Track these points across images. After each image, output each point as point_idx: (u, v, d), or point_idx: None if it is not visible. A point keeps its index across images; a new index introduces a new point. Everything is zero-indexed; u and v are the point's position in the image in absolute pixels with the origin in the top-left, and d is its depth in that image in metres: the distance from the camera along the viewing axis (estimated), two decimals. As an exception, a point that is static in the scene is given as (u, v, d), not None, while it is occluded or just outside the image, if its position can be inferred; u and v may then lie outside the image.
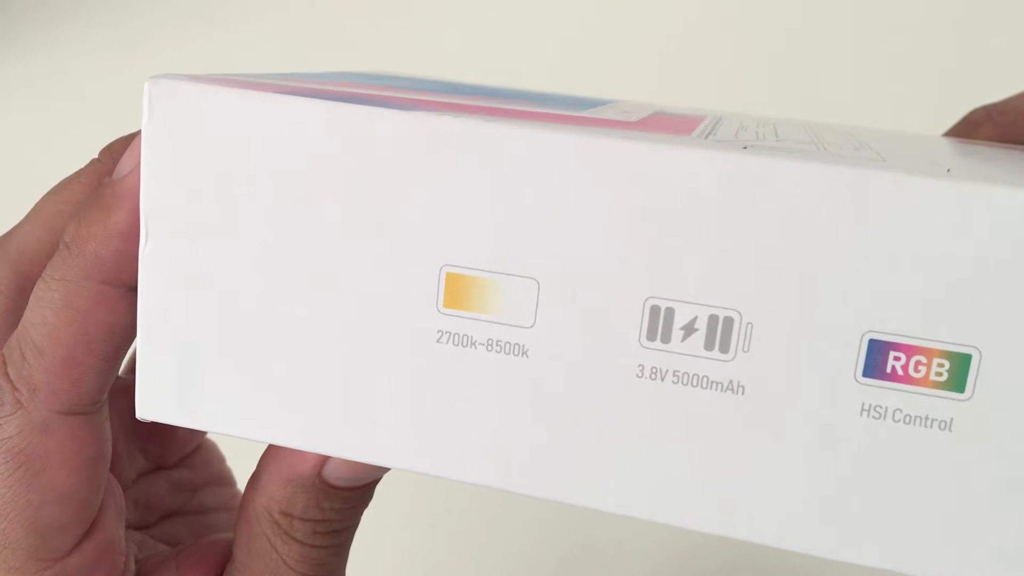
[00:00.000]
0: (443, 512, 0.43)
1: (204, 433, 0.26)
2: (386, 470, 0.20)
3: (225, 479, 0.27)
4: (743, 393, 0.15)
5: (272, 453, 0.20)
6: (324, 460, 0.19)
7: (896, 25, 0.39)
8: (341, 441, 0.17)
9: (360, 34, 0.45)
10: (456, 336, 0.16)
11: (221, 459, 0.27)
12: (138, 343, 0.18)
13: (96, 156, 0.20)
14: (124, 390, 0.24)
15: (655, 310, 0.16)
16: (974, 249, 0.14)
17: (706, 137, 0.17)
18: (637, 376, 0.16)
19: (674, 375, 0.16)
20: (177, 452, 0.26)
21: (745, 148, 0.15)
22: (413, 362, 0.17)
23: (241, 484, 0.26)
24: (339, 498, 0.19)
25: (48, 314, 0.18)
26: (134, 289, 0.18)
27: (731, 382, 0.16)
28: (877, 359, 0.15)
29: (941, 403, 0.15)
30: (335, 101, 0.16)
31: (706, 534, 0.16)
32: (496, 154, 0.16)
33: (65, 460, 0.19)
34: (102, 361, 0.19)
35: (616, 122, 0.18)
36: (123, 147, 0.19)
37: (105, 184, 0.18)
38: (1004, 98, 0.25)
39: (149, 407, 0.18)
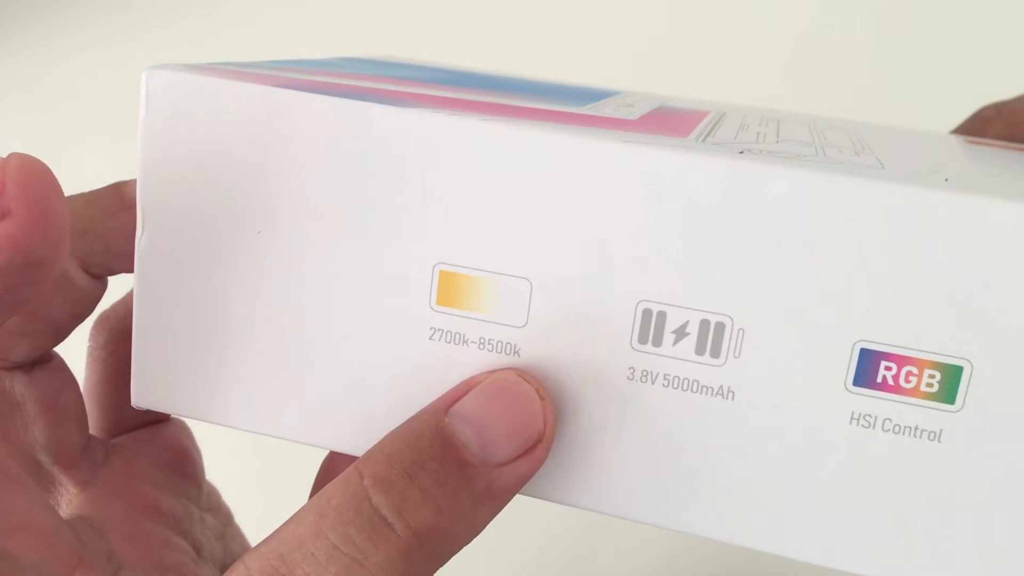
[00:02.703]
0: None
1: (200, 468, 0.25)
2: None
3: (230, 517, 0.25)
4: (733, 398, 0.15)
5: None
6: None
7: (908, 21, 0.38)
8: (335, 435, 0.17)
9: (358, 17, 0.45)
10: (449, 334, 0.16)
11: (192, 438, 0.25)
12: (134, 332, 0.18)
13: None
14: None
15: (647, 313, 0.16)
16: (969, 261, 0.14)
17: (704, 139, 0.17)
18: (628, 379, 0.16)
19: (664, 379, 0.16)
20: (204, 494, 0.24)
21: (741, 153, 0.15)
22: (406, 358, 0.17)
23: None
24: None
25: None
26: None
27: (721, 387, 0.15)
28: (868, 368, 0.15)
29: (931, 414, 0.15)
30: (332, 96, 0.16)
31: (698, 545, 0.16)
32: (491, 153, 0.16)
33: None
34: None
35: (614, 120, 0.17)
36: None
37: None
38: (1015, 96, 0.25)
39: (143, 395, 0.18)
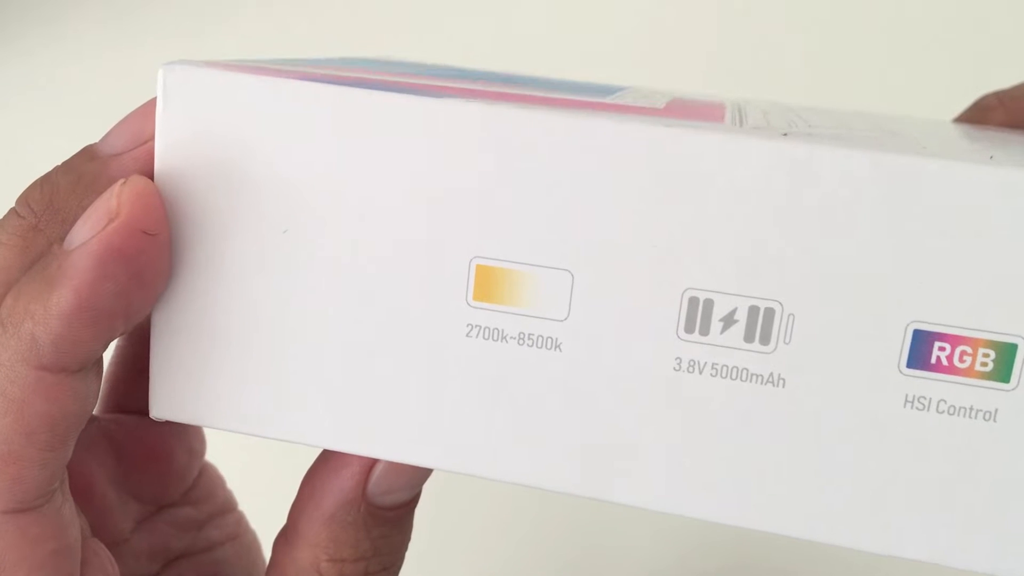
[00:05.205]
0: (439, 513, 0.43)
1: (202, 458, 0.24)
2: (425, 479, 0.19)
3: (228, 506, 0.25)
4: (784, 386, 0.15)
5: (305, 497, 0.19)
6: (368, 473, 0.18)
7: (906, 10, 0.39)
8: (368, 439, 0.17)
9: (361, 21, 0.45)
10: (487, 330, 0.16)
11: (223, 483, 0.25)
12: (152, 338, 0.17)
13: (13, 207, 0.17)
14: (102, 434, 0.22)
15: (693, 301, 0.15)
16: (1019, 237, 0.14)
17: (740, 124, 0.16)
18: (675, 369, 0.15)
19: (712, 368, 0.15)
20: (178, 487, 0.23)
21: (785, 135, 0.15)
22: (442, 356, 0.16)
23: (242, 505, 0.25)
24: (386, 522, 0.19)
25: None
26: (77, 372, 0.16)
27: (772, 374, 0.15)
28: (922, 350, 0.15)
29: (986, 394, 0.15)
30: (360, 88, 0.16)
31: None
32: (528, 142, 0.15)
33: (21, 560, 0.17)
34: (45, 453, 0.16)
35: (643, 109, 0.17)
36: (40, 196, 0.17)
37: (53, 255, 0.16)
38: (1015, 84, 0.25)
39: (163, 406, 0.17)
